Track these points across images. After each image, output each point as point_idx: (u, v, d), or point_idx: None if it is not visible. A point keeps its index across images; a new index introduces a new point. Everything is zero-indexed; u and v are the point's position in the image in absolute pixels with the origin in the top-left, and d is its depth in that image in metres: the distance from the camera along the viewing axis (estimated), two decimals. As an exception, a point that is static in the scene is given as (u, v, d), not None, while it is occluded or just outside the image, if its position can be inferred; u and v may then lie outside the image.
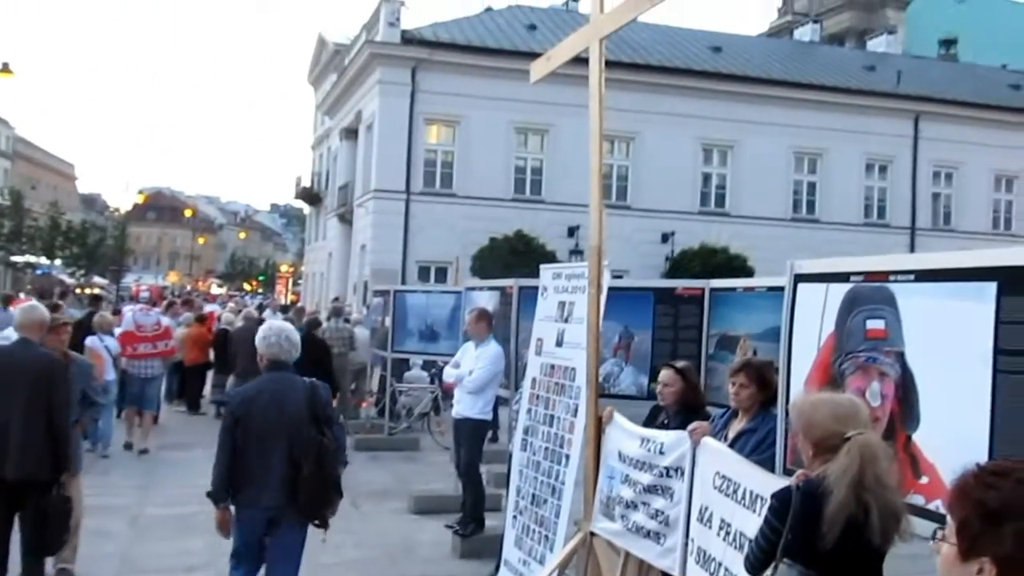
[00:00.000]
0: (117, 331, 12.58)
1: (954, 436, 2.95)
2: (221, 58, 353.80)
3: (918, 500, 3.16)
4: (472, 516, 8.33)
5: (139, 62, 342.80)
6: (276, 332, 5.16)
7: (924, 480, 3.15)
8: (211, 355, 15.79)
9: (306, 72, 49.71)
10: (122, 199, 48.49)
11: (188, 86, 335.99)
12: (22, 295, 15.08)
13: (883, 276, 3.41)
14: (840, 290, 3.62)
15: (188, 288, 64.08)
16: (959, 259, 3.13)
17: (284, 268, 79.76)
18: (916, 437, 3.24)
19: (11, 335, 6.56)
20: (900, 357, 3.30)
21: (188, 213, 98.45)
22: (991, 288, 2.86)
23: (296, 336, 5.25)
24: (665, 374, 5.51)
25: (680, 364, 5.65)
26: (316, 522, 5.01)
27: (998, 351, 2.83)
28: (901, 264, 3.38)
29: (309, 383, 5.06)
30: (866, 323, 3.46)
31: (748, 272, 23.52)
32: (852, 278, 3.58)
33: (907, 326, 3.26)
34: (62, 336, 6.65)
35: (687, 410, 5.26)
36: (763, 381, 4.69)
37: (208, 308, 21.38)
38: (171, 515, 8.96)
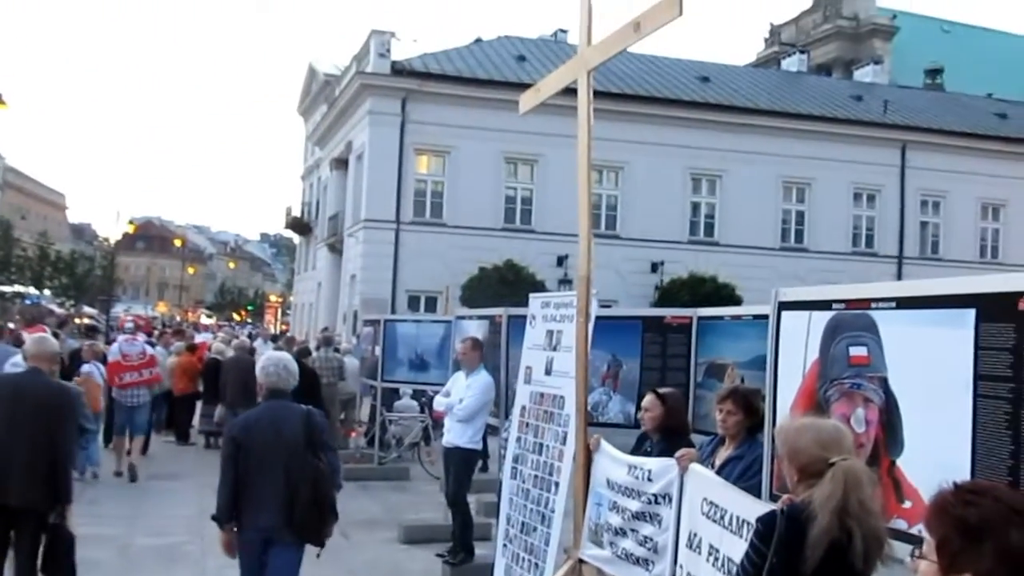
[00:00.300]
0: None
1: (937, 461, 2.98)
2: (211, 88, 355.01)
3: (901, 525, 3.20)
4: (461, 545, 8.32)
5: (129, 92, 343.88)
6: (275, 362, 5.42)
7: (907, 505, 3.18)
8: (200, 385, 15.74)
9: (296, 103, 49.90)
10: (112, 229, 48.38)
11: (178, 116, 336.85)
12: (11, 324, 14.96)
13: (864, 304, 3.46)
14: (823, 317, 3.67)
15: (178, 318, 63.86)
16: (938, 286, 3.19)
17: (273, 298, 79.71)
18: (900, 462, 3.28)
19: (20, 363, 6.71)
20: (883, 383, 3.34)
21: (177, 243, 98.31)
22: (970, 315, 2.91)
23: (294, 366, 5.50)
24: (647, 399, 5.57)
25: (663, 390, 5.70)
26: (313, 543, 5.21)
27: (978, 377, 2.87)
28: (881, 292, 3.43)
29: (305, 410, 5.28)
30: (849, 350, 3.50)
31: (737, 301, 23.58)
32: (834, 305, 3.63)
33: (889, 353, 3.31)
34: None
35: (670, 436, 5.30)
36: (750, 408, 4.72)
37: (199, 338, 21.36)
38: (160, 545, 8.94)
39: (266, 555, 5.14)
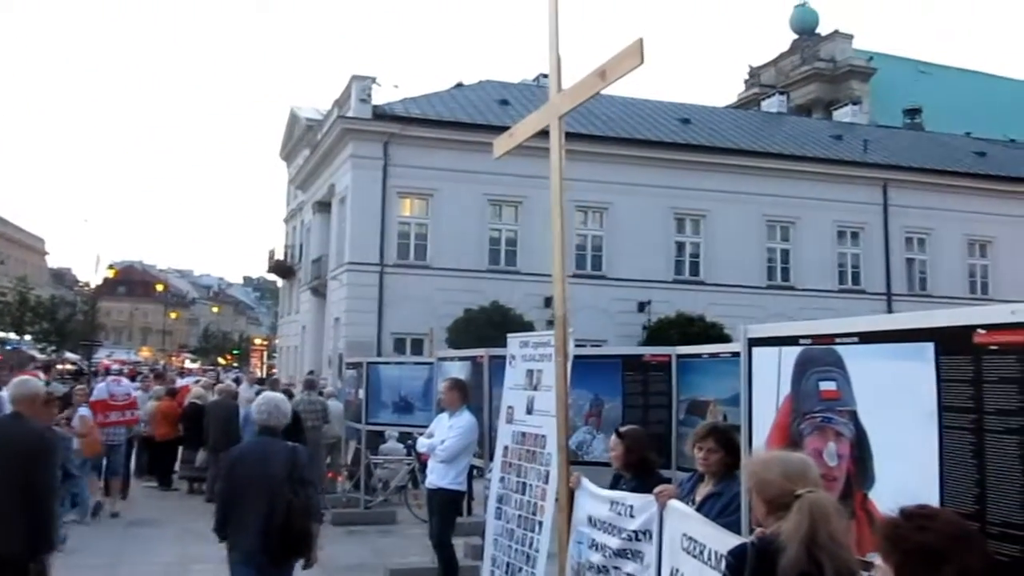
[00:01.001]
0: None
1: (906, 493, 3.01)
2: (191, 132, 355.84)
3: (876, 558, 3.23)
4: (446, 589, 8.28)
5: (109, 135, 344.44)
6: (267, 402, 6.05)
7: (881, 538, 3.22)
8: (180, 429, 15.68)
9: (278, 147, 50.17)
10: (92, 274, 48.17)
11: (158, 160, 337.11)
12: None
13: (830, 339, 3.52)
14: (792, 353, 3.73)
15: (161, 363, 63.51)
16: (896, 321, 3.25)
17: (258, 342, 79.42)
18: (871, 495, 3.32)
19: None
20: (853, 417, 3.39)
21: (160, 288, 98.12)
22: (929, 349, 2.98)
23: (286, 406, 6.13)
24: (611, 439, 5.63)
25: (623, 428, 5.76)
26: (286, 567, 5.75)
27: (942, 408, 2.93)
28: (844, 327, 3.49)
29: (291, 447, 5.86)
30: (819, 384, 3.56)
31: (725, 340, 23.65)
32: (801, 341, 3.70)
33: (857, 387, 3.37)
34: (52, 410, 6.69)
35: (640, 473, 5.35)
36: (730, 445, 4.75)
37: (180, 382, 21.28)
38: (142, 593, 8.85)
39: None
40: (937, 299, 31.38)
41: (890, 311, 30.88)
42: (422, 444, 8.66)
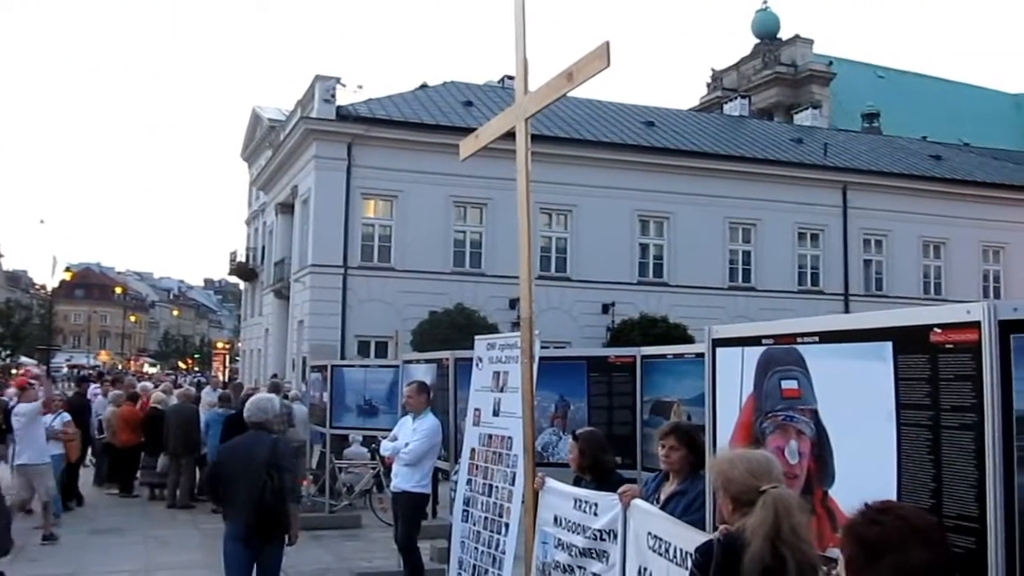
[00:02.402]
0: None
1: (866, 489, 3.06)
2: (150, 132, 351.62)
3: (836, 554, 3.29)
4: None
5: (66, 134, 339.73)
6: (255, 402, 7.02)
7: (841, 534, 3.28)
8: (142, 436, 15.50)
9: (240, 148, 49.75)
10: (49, 276, 47.39)
11: (118, 160, 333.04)
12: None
13: (791, 339, 3.59)
14: (755, 353, 3.80)
15: (119, 367, 62.74)
16: (856, 321, 3.32)
17: (220, 345, 78.66)
18: (832, 492, 3.39)
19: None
20: (814, 415, 3.46)
21: (118, 290, 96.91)
22: (887, 348, 3.05)
23: (271, 404, 7.07)
24: (569, 442, 5.70)
25: (579, 431, 5.82)
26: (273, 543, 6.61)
27: (900, 406, 3.00)
28: (805, 327, 3.56)
29: (274, 439, 6.77)
30: (781, 384, 3.62)
31: (689, 341, 23.84)
32: (764, 341, 3.76)
33: (818, 386, 3.43)
34: None
35: (598, 474, 5.41)
36: (693, 444, 4.79)
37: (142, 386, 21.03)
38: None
39: (251, 554, 6.54)
40: (892, 299, 31.83)
41: (847, 311, 31.29)
42: (385, 447, 8.64)
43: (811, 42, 61.37)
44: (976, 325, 2.69)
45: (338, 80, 29.00)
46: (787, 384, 3.58)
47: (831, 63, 60.34)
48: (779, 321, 3.84)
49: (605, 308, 29.37)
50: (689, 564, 3.66)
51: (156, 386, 18.34)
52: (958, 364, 2.76)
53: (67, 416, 12.83)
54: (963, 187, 34.71)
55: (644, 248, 31.22)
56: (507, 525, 6.00)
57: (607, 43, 4.42)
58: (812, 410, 3.45)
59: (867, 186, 33.32)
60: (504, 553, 6.00)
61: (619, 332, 27.76)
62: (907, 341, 2.97)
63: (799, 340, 3.53)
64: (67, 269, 52.61)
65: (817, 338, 3.45)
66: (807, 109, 45.17)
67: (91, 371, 41.45)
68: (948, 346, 2.80)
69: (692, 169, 31.03)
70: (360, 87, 31.76)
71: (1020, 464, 2.58)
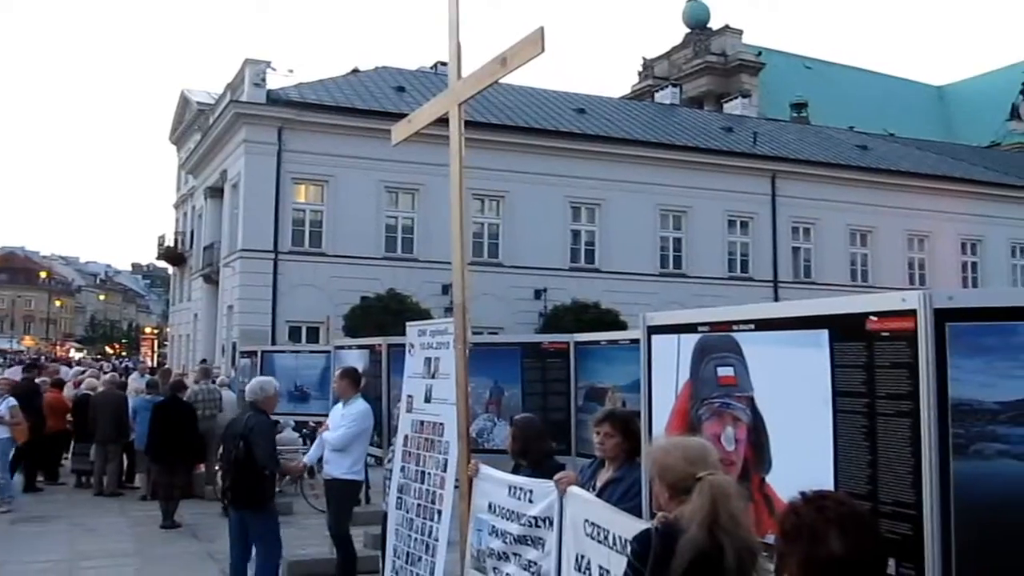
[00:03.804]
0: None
1: (803, 476, 3.08)
2: (77, 113, 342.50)
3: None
4: (345, 579, 8.19)
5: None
6: (256, 382, 7.80)
7: (778, 520, 3.29)
8: (68, 422, 15.14)
9: (168, 131, 48.73)
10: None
11: (42, 142, 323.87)
12: None
13: (727, 326, 3.59)
14: (691, 340, 3.79)
15: (41, 353, 61.18)
16: (792, 309, 3.33)
17: (149, 330, 77.10)
18: (769, 479, 3.40)
19: None
20: (750, 402, 3.47)
21: (43, 275, 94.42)
22: (824, 335, 3.06)
23: (271, 385, 7.74)
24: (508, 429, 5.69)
25: (517, 416, 5.80)
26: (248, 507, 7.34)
27: (836, 393, 3.02)
28: (741, 314, 3.56)
29: (253, 417, 7.44)
30: (717, 371, 3.62)
31: (620, 326, 23.99)
32: (699, 328, 3.76)
33: (754, 373, 3.44)
34: None
35: (534, 461, 5.40)
36: (627, 431, 4.77)
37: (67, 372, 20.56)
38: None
39: (238, 517, 7.43)
40: (821, 286, 32.43)
41: (776, 298, 31.86)
42: (312, 454, 8.62)
43: (741, 32, 62.17)
44: (912, 313, 2.70)
45: (268, 64, 28.54)
46: (723, 371, 3.59)
47: (760, 53, 61.22)
48: (715, 308, 3.84)
49: (537, 294, 29.44)
50: (628, 553, 3.65)
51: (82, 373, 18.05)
52: (894, 352, 2.78)
53: (12, 400, 12.70)
54: (889, 176, 35.41)
55: (576, 234, 31.31)
56: (439, 512, 5.95)
57: (541, 28, 4.38)
58: (748, 397, 3.46)
59: (796, 175, 33.86)
60: (437, 540, 5.95)
61: (552, 318, 27.86)
62: (843, 329, 2.98)
63: (735, 327, 3.53)
64: (-13, 253, 51.09)
65: (753, 326, 3.45)
66: (737, 98, 45.67)
67: (35, 358, 40.62)
68: (884, 334, 2.82)
69: (624, 156, 31.18)
70: (291, 71, 31.36)
71: (955, 451, 2.61)
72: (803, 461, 3.18)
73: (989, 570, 2.59)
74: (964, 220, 36.11)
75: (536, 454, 5.53)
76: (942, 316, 2.66)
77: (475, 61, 5.09)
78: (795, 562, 1.92)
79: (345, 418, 8.05)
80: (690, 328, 3.81)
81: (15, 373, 17.59)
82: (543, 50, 4.33)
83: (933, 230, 35.66)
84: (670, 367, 3.91)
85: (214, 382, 15.32)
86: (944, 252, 35.93)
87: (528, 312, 28.92)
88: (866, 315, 2.89)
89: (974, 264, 37.30)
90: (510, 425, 5.65)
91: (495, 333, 23.46)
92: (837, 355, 3.00)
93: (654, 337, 4.08)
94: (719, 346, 3.61)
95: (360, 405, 8.11)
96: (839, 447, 3.02)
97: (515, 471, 5.60)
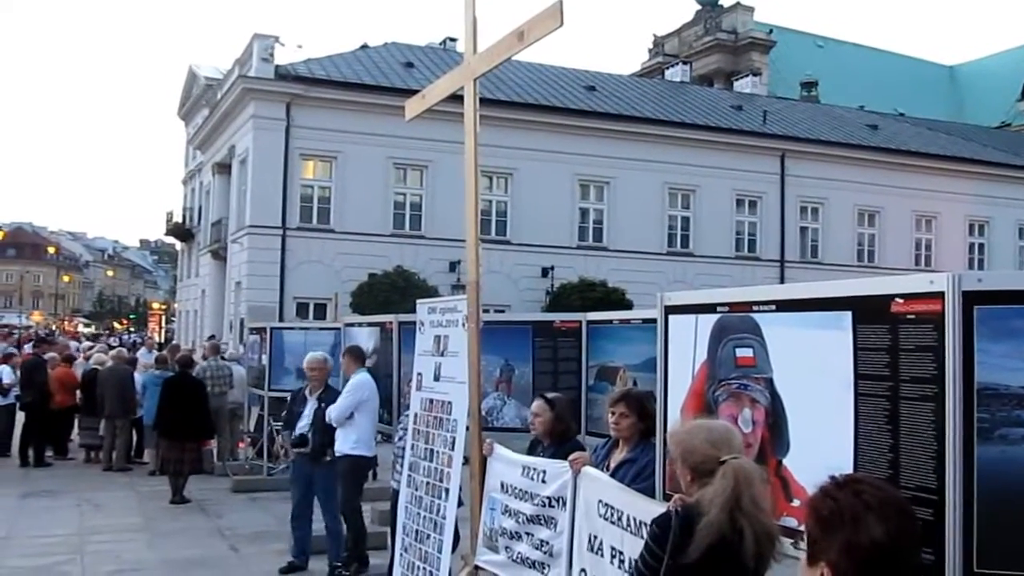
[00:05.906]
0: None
1: (822, 459, 3.06)
2: (85, 89, 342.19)
3: (791, 523, 3.28)
4: (354, 555, 8.22)
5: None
6: (309, 359, 8.68)
7: (796, 503, 3.26)
8: (79, 397, 15.17)
9: (176, 106, 48.61)
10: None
11: (50, 118, 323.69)
12: None
13: (747, 307, 3.54)
14: (709, 321, 3.75)
15: (53, 328, 61.37)
16: (815, 290, 3.28)
17: (156, 306, 77.23)
18: (786, 461, 3.36)
19: None
20: (769, 384, 3.42)
21: (51, 250, 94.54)
22: (847, 317, 3.01)
23: (326, 358, 8.64)
24: (536, 405, 5.59)
25: (550, 395, 5.72)
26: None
27: (858, 376, 2.97)
28: (763, 295, 3.51)
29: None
30: (735, 352, 3.58)
31: (626, 305, 23.94)
32: (718, 309, 3.71)
33: (773, 354, 3.40)
34: None
35: (560, 441, 5.34)
36: (642, 411, 4.74)
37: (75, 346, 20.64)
38: (36, 567, 8.54)
39: (309, 468, 8.38)
40: (827, 266, 32.43)
41: (783, 278, 31.79)
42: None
43: (752, 10, 61.62)
44: (940, 295, 2.66)
45: (277, 39, 28.43)
46: (742, 352, 3.54)
47: (771, 31, 60.73)
48: (735, 288, 3.81)
49: (544, 272, 29.41)
50: (643, 533, 3.63)
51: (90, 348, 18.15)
52: (919, 335, 2.73)
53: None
54: (898, 156, 35.23)
55: (584, 212, 31.26)
56: (447, 490, 5.94)
57: (560, 1, 4.28)
58: (767, 379, 3.42)
59: (805, 154, 33.69)
60: (445, 518, 5.94)
61: (558, 296, 27.83)
62: (867, 311, 2.93)
63: (755, 308, 3.49)
64: (-3, 228, 51.13)
65: (774, 306, 3.41)
66: (747, 76, 45.39)
67: (48, 332, 40.77)
68: (910, 316, 2.77)
69: (633, 134, 31.05)
70: (300, 47, 31.28)
71: (980, 436, 2.57)
72: (822, 444, 3.14)
73: (1011, 556, 2.56)
74: (972, 201, 35.94)
75: (566, 435, 5.51)
76: (970, 299, 2.61)
77: (489, 37, 5.03)
78: (835, 549, 1.89)
79: (343, 392, 8.09)
80: (709, 308, 3.77)
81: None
82: (562, 23, 4.23)
83: (941, 211, 35.53)
84: (687, 347, 3.87)
85: (224, 358, 15.34)
86: (951, 233, 35.80)
87: (535, 290, 28.93)
88: (891, 297, 2.84)
89: (981, 246, 37.15)
90: (546, 403, 5.54)
91: (502, 311, 23.47)
92: (860, 337, 2.95)
93: (671, 317, 4.03)
94: (738, 327, 3.57)
95: (358, 376, 8.12)
96: (860, 430, 2.98)
97: (532, 449, 5.58)
